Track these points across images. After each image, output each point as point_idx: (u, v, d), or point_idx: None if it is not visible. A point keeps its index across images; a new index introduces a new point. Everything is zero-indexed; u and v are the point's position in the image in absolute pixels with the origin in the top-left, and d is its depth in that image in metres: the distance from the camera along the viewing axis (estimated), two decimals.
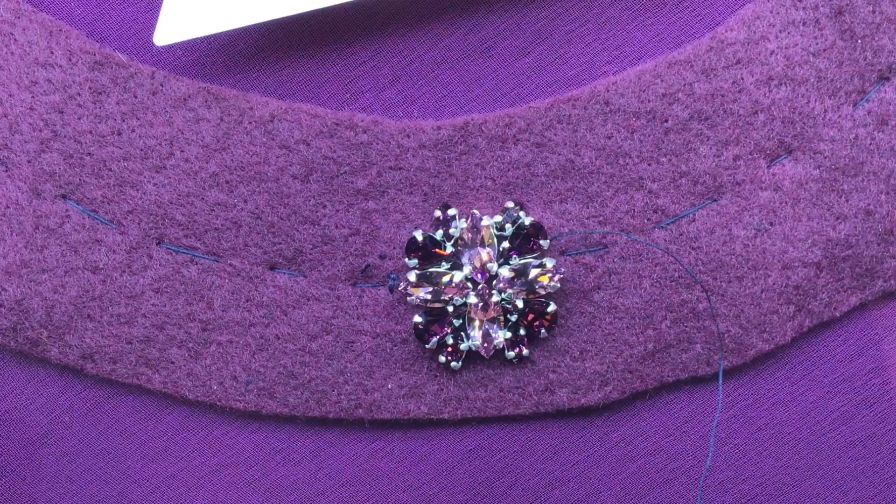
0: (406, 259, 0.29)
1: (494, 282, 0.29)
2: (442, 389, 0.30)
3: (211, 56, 0.31)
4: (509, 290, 0.29)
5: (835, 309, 0.30)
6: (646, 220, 0.30)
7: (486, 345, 0.29)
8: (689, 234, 0.30)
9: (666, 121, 0.30)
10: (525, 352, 0.30)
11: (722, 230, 0.30)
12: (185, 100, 0.30)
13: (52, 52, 0.30)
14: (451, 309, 0.29)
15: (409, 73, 0.31)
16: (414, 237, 0.29)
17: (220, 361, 0.30)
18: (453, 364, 0.30)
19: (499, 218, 0.29)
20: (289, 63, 0.31)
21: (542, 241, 0.29)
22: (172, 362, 0.30)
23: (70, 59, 0.30)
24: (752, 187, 0.30)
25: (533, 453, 0.31)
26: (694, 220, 0.30)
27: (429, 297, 0.29)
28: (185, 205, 0.30)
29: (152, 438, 0.31)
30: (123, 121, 0.30)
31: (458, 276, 0.29)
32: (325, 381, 0.30)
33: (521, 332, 0.30)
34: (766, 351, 0.30)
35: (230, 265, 0.30)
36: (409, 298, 0.29)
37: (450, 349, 0.30)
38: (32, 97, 0.30)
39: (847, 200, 0.30)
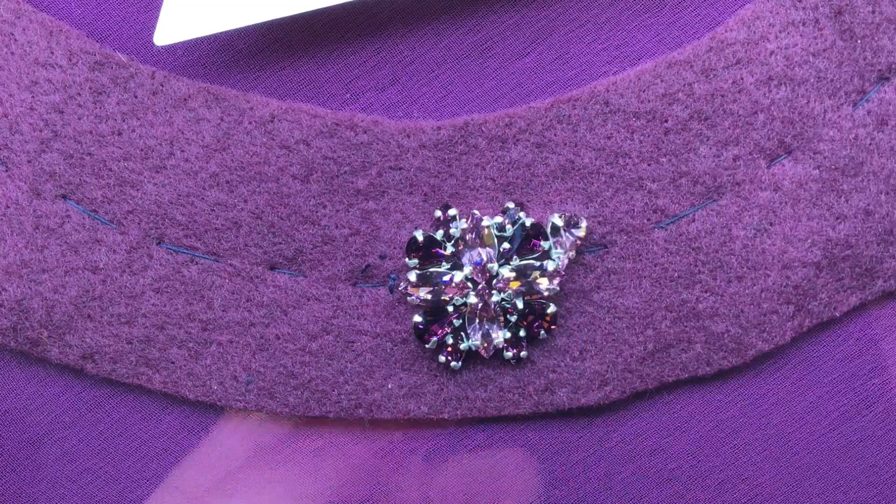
0: (406, 259, 0.29)
1: (494, 282, 0.29)
2: (442, 389, 0.30)
3: (211, 56, 0.31)
4: (509, 291, 0.29)
5: (834, 309, 0.30)
6: (645, 221, 0.30)
7: (485, 345, 0.29)
8: (689, 234, 0.30)
9: (666, 121, 0.30)
10: (523, 353, 0.30)
11: (722, 230, 0.30)
12: (185, 100, 0.30)
13: (52, 52, 0.30)
14: (451, 309, 0.29)
15: (409, 74, 0.31)
16: (414, 237, 0.29)
17: (220, 361, 0.30)
18: (453, 364, 0.30)
19: (499, 218, 0.29)
20: (289, 63, 0.31)
21: (542, 242, 0.29)
22: (173, 362, 0.30)
23: (70, 59, 0.30)
24: (751, 187, 0.30)
25: (533, 453, 0.31)
26: (694, 221, 0.30)
27: (429, 297, 0.29)
28: (186, 205, 0.30)
29: (153, 438, 0.31)
30: (124, 121, 0.30)
31: (458, 277, 0.29)
32: (326, 380, 0.30)
33: (521, 333, 0.30)
34: (765, 351, 0.30)
35: (230, 265, 0.30)
36: (409, 298, 0.29)
37: (450, 349, 0.30)
38: (33, 97, 0.30)
39: (847, 200, 0.30)
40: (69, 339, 0.30)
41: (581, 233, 0.29)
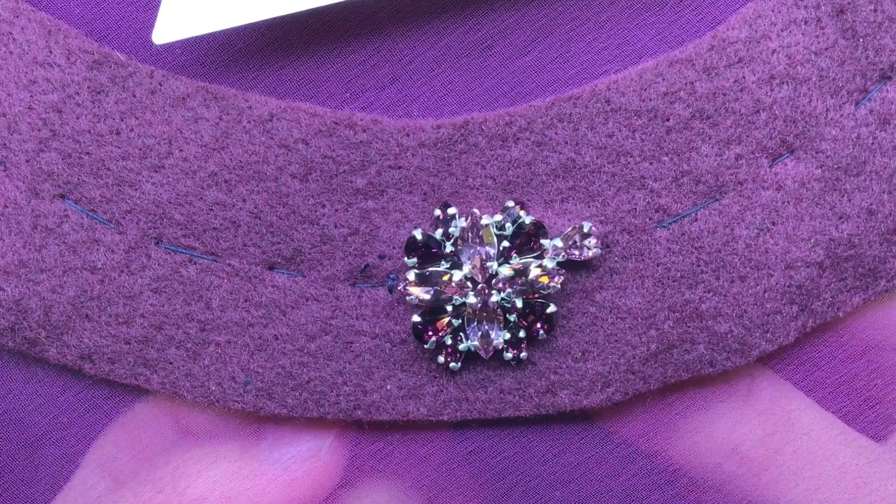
0: (405, 258, 0.29)
1: (494, 281, 0.29)
2: (441, 391, 0.30)
3: (210, 55, 0.31)
4: (509, 290, 0.29)
5: (838, 309, 0.30)
6: (647, 220, 0.30)
7: (485, 345, 0.29)
8: (691, 234, 0.30)
9: (667, 120, 0.30)
10: (523, 354, 0.30)
11: (724, 230, 0.30)
12: (183, 99, 0.30)
13: (50, 51, 0.30)
14: (450, 309, 0.29)
15: (409, 72, 0.31)
16: (413, 236, 0.29)
17: (218, 362, 0.30)
18: (452, 365, 0.30)
19: (499, 217, 0.29)
20: (288, 62, 0.31)
21: (542, 241, 0.29)
22: (171, 363, 0.30)
23: (68, 58, 0.30)
24: (754, 186, 0.29)
25: (533, 455, 0.31)
26: (696, 220, 0.30)
27: (428, 296, 0.29)
28: (184, 204, 0.30)
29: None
30: (122, 120, 0.30)
31: (457, 276, 0.29)
32: (324, 381, 0.30)
33: (521, 334, 0.30)
34: (769, 351, 0.30)
35: (229, 265, 0.30)
36: (408, 298, 0.29)
37: (449, 349, 0.30)
38: (31, 96, 0.30)
39: (849, 200, 0.29)
40: (67, 339, 0.30)
41: (590, 253, 0.29)
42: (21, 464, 0.31)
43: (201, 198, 0.30)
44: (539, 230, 0.29)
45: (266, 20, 0.30)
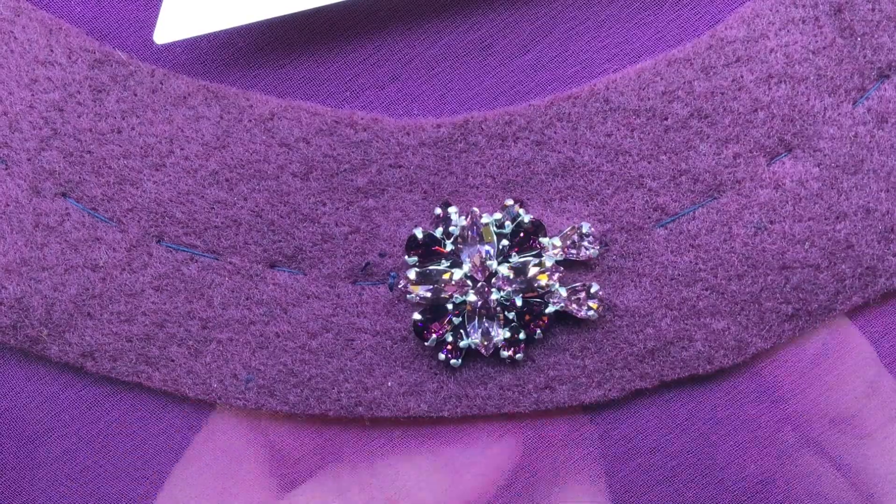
0: (406, 257, 0.29)
1: (494, 280, 0.29)
2: (442, 387, 0.30)
3: (211, 54, 0.31)
4: (508, 289, 0.29)
5: (834, 308, 0.30)
6: (646, 219, 0.30)
7: (485, 343, 0.29)
8: (689, 233, 0.30)
9: (666, 119, 0.30)
10: (519, 355, 0.30)
11: (722, 228, 0.30)
12: (184, 98, 0.30)
13: (51, 50, 0.30)
14: (450, 307, 0.29)
15: (409, 71, 0.31)
16: (414, 235, 0.29)
17: (220, 359, 0.30)
18: (453, 362, 0.30)
19: (498, 216, 0.29)
20: (289, 61, 0.31)
21: (541, 239, 0.29)
22: (172, 360, 0.30)
23: (70, 57, 0.30)
24: (751, 185, 0.30)
25: (532, 451, 0.31)
26: (694, 219, 0.30)
27: (428, 294, 0.29)
28: (185, 203, 0.30)
29: (152, 436, 0.31)
30: (123, 119, 0.30)
31: (457, 274, 0.29)
32: (325, 378, 0.30)
33: (521, 335, 0.30)
34: (764, 349, 0.30)
35: (230, 263, 0.30)
36: (408, 296, 0.29)
37: (449, 347, 0.30)
38: (32, 95, 0.30)
39: (847, 199, 0.30)
40: (69, 337, 0.30)
41: (591, 252, 0.29)
42: (22, 461, 0.31)
43: (202, 196, 0.30)
44: (538, 229, 0.29)
45: (267, 20, 0.30)
